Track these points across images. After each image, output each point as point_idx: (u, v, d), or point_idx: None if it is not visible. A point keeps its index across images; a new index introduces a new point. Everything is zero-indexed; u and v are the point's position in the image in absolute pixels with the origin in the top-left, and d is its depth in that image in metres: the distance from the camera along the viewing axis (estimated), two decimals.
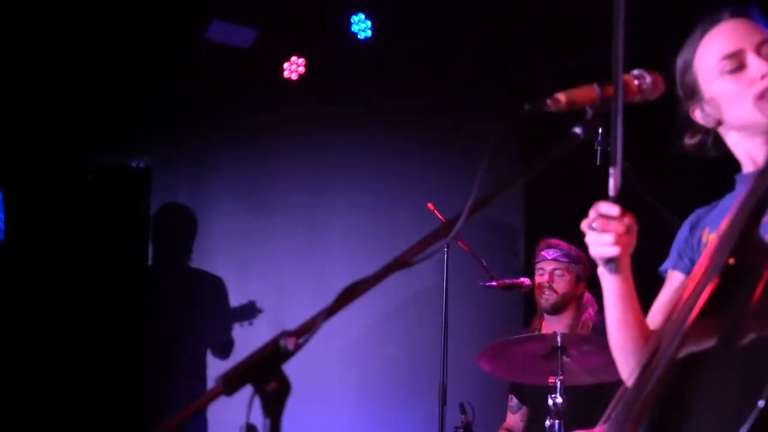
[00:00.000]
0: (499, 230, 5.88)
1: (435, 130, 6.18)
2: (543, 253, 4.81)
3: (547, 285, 4.72)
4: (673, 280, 2.25)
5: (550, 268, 4.75)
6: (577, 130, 1.82)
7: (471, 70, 6.01)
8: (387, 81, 6.22)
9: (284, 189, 6.40)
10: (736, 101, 2.08)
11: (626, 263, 1.96)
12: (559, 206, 5.67)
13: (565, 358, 3.97)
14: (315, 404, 5.78)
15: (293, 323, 1.61)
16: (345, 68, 6.28)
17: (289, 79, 6.31)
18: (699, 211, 2.28)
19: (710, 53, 2.13)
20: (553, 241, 4.83)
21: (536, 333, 4.64)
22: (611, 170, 1.83)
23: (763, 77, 2.05)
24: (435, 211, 4.81)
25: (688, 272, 2.19)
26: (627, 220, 1.85)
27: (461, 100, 6.07)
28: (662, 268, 2.31)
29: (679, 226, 2.36)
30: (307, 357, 1.63)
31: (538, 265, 4.82)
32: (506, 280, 4.67)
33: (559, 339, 3.95)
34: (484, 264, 4.68)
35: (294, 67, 6.32)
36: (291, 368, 1.55)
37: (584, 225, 1.89)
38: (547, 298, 4.72)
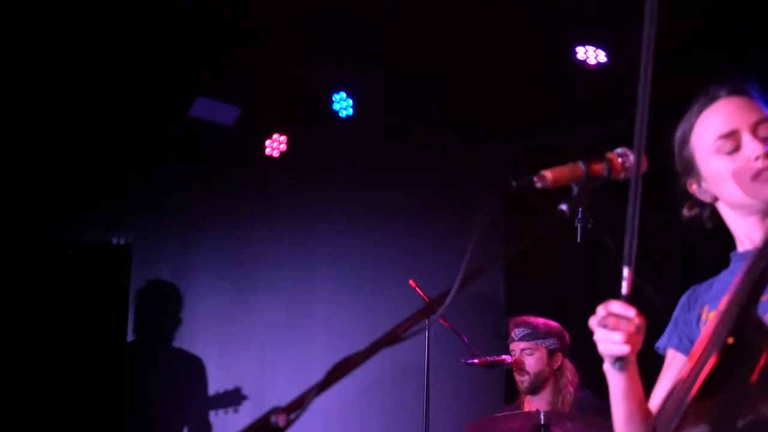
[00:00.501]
0: (481, 306, 5.88)
1: (417, 206, 6.21)
2: (511, 333, 4.81)
3: (518, 367, 4.71)
4: (674, 361, 2.26)
5: (519, 348, 4.75)
6: (563, 207, 1.84)
7: (453, 147, 6.06)
8: (369, 158, 6.27)
9: (267, 266, 6.39)
10: (730, 181, 2.11)
11: (633, 360, 1.98)
12: (541, 282, 5.70)
13: None
14: None
15: (276, 401, 1.61)
16: (327, 146, 6.33)
17: (271, 156, 6.34)
18: (696, 288, 2.29)
19: (707, 131, 2.15)
20: (520, 318, 4.82)
21: (518, 411, 4.61)
22: (625, 269, 1.83)
23: (756, 159, 2.08)
24: (416, 288, 4.81)
25: (687, 352, 2.20)
26: (638, 320, 1.84)
27: (443, 176, 6.11)
28: (659, 345, 2.31)
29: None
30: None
31: (510, 347, 4.82)
32: (488, 358, 4.65)
33: (542, 417, 3.93)
34: (466, 341, 4.67)
35: (276, 144, 6.36)
36: None
37: (593, 322, 1.88)
38: (521, 381, 4.71)
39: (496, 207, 5.54)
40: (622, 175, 1.92)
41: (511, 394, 5.21)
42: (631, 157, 1.92)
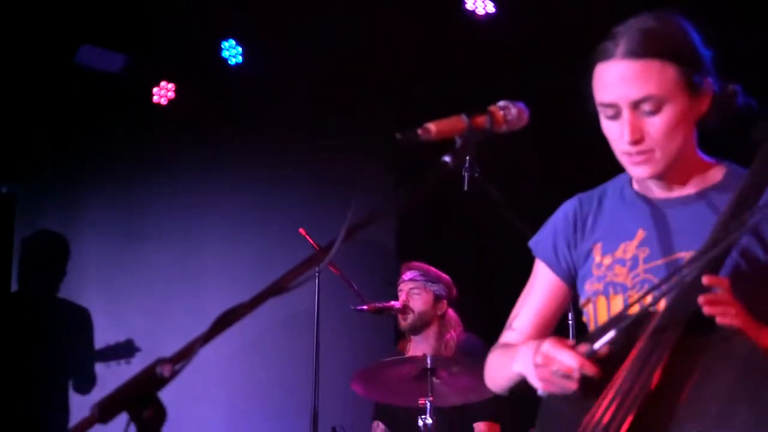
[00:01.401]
0: (371, 254, 5.92)
1: (308, 156, 6.19)
2: (402, 276, 4.90)
3: (404, 305, 4.79)
4: (546, 280, 2.29)
5: (407, 288, 4.83)
6: (446, 158, 1.87)
7: (345, 98, 6.05)
8: (259, 107, 6.22)
9: (157, 216, 6.32)
10: (614, 147, 2.12)
11: None
12: (430, 229, 5.77)
13: (434, 380, 4.02)
14: (187, 430, 5.69)
15: (168, 351, 1.60)
16: (216, 94, 6.26)
17: (158, 105, 6.25)
18: (582, 201, 2.29)
19: (595, 88, 2.10)
20: (413, 263, 4.92)
21: (406, 356, 4.69)
22: (612, 333, 1.86)
23: (626, 143, 2.06)
24: (307, 237, 4.82)
25: (564, 276, 2.25)
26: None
27: (334, 126, 6.10)
28: (532, 244, 2.34)
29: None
30: (177, 383, 1.63)
31: (398, 288, 4.90)
32: (377, 304, 4.71)
33: (429, 361, 4.00)
34: (355, 288, 4.72)
35: (164, 92, 6.26)
36: (166, 394, 1.54)
37: (543, 362, 1.92)
38: (405, 318, 4.79)
39: (384, 159, 5.61)
40: (504, 127, 1.95)
41: (399, 339, 5.28)
42: (513, 110, 1.96)
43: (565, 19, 4.99)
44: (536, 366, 1.93)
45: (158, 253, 6.30)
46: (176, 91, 6.26)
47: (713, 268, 1.93)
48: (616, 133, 2.07)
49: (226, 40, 6.17)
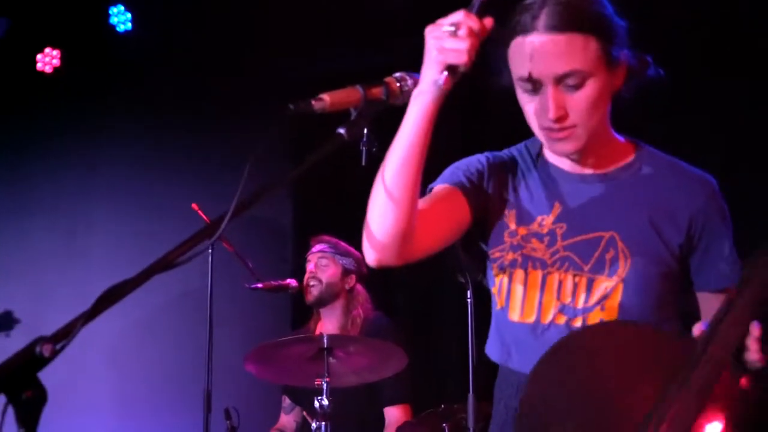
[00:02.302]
0: (266, 231, 5.91)
1: (200, 129, 6.13)
2: (312, 248, 4.91)
3: (311, 275, 4.81)
4: (445, 192, 2.21)
5: (315, 258, 4.85)
6: (341, 130, 1.87)
7: (238, 68, 6.00)
8: (149, 77, 6.13)
9: (42, 189, 6.20)
10: (531, 121, 2.12)
11: (448, 88, 1.95)
12: (328, 206, 5.77)
13: (331, 360, 4.04)
14: (73, 412, 5.62)
15: (51, 330, 1.58)
16: (103, 62, 6.15)
17: (42, 72, 6.11)
18: (493, 159, 2.25)
19: (513, 63, 2.09)
20: (323, 236, 4.94)
21: (302, 335, 4.70)
22: None
23: (549, 120, 2.06)
24: (199, 212, 4.79)
25: (473, 205, 2.18)
26: (483, 31, 1.90)
27: (228, 98, 6.05)
28: (439, 182, 2.25)
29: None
30: (65, 362, 1.61)
31: (307, 258, 4.90)
32: (272, 282, 4.70)
33: (325, 340, 4.01)
34: (250, 266, 4.70)
35: (48, 59, 6.13)
36: (47, 375, 1.52)
37: (433, 27, 1.91)
38: (311, 289, 4.80)
39: (279, 129, 5.57)
40: (401, 99, 1.97)
41: (298, 320, 5.29)
42: (410, 81, 1.97)
43: None
44: (426, 34, 1.92)
45: (43, 227, 6.19)
46: (61, 59, 6.13)
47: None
48: (536, 108, 2.08)
49: (115, 6, 6.06)
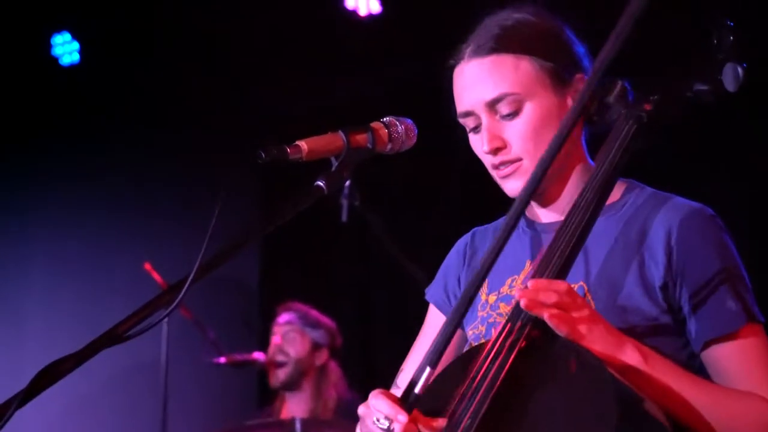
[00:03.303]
0: (229, 294, 5.90)
1: (156, 178, 6.13)
2: (277, 318, 4.90)
3: (277, 348, 4.78)
4: (434, 322, 2.28)
5: (281, 332, 4.83)
6: (320, 183, 1.88)
7: (202, 104, 6.00)
8: (97, 116, 6.13)
9: None
10: (484, 161, 2.13)
11: None
12: (301, 267, 5.77)
13: None
14: None
15: None
16: (44, 99, 6.15)
17: None
18: (476, 235, 2.31)
19: (455, 98, 2.13)
20: (292, 304, 4.93)
21: (271, 418, 4.67)
22: (426, 370, 1.84)
23: (487, 153, 2.08)
24: (153, 273, 4.79)
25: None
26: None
27: (189, 141, 6.05)
28: (427, 290, 2.33)
29: (424, 281, 2.42)
30: None
31: (273, 330, 4.89)
32: (237, 356, 4.69)
33: (298, 425, 3.99)
34: (211, 336, 4.69)
35: None
36: None
37: (365, 411, 1.87)
38: (278, 368, 4.76)
39: (249, 177, 5.59)
40: (389, 147, 1.98)
41: (265, 400, 5.26)
42: (400, 128, 1.98)
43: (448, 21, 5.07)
44: (360, 418, 1.91)
45: None
46: None
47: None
48: (478, 146, 2.11)
49: (59, 34, 6.08)
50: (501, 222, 2.27)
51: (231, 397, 5.85)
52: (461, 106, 2.10)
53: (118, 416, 5.93)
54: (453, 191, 4.95)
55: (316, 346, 4.84)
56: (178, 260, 5.07)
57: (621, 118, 2.02)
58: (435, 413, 1.86)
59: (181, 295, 1.73)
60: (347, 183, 1.87)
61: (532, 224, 2.20)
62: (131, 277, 5.42)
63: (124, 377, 5.82)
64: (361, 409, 1.89)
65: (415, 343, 2.34)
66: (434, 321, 2.31)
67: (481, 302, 2.20)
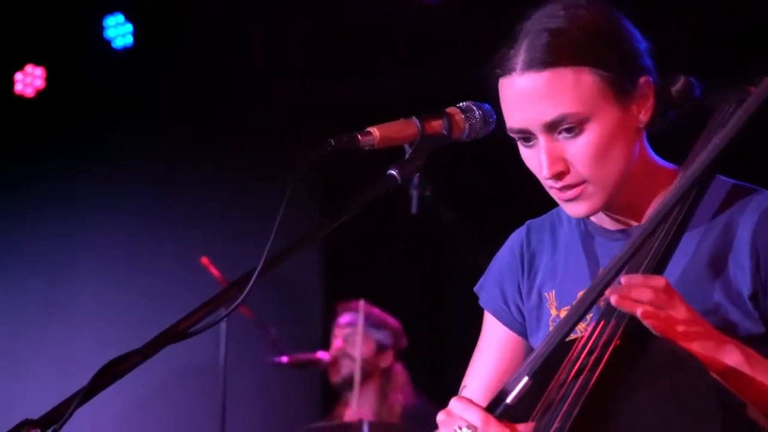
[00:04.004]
0: (290, 292, 5.93)
1: (213, 167, 6.18)
2: (338, 319, 4.90)
3: (340, 352, 4.79)
4: (498, 336, 2.27)
5: (343, 334, 4.84)
6: (393, 171, 1.89)
7: (261, 94, 6.04)
8: (153, 102, 6.19)
9: (18, 236, 6.26)
10: (537, 176, 2.07)
11: None
12: (366, 263, 5.78)
13: None
14: None
15: (28, 410, 1.61)
16: (97, 83, 6.22)
17: (22, 95, 6.21)
18: (531, 231, 2.26)
19: (503, 110, 2.05)
20: (353, 303, 4.93)
21: (336, 422, 4.69)
22: (524, 379, 1.84)
23: (546, 179, 2.02)
24: (210, 268, 4.82)
25: (520, 331, 2.23)
26: None
27: (248, 130, 6.09)
28: (479, 291, 2.30)
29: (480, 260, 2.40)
30: None
31: (334, 332, 4.90)
32: (300, 356, 4.72)
33: (366, 428, 4.01)
34: (273, 335, 4.72)
35: (29, 80, 6.23)
36: None
37: (446, 419, 1.87)
38: (339, 371, 4.78)
39: (312, 172, 5.60)
40: (466, 133, 1.98)
41: (329, 402, 5.29)
42: (477, 113, 1.99)
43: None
44: (438, 425, 1.89)
45: (16, 285, 6.24)
46: (46, 79, 6.22)
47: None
48: (534, 164, 2.03)
49: (112, 15, 6.14)
50: (558, 212, 2.23)
51: (293, 399, 5.87)
52: (513, 122, 2.01)
53: (175, 419, 5.99)
54: (530, 181, 4.93)
55: (380, 348, 4.84)
56: (236, 255, 5.15)
57: (721, 104, 1.99)
58: (519, 419, 1.86)
59: (247, 289, 1.76)
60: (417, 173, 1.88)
61: (598, 231, 2.15)
62: (187, 272, 5.46)
63: (181, 378, 5.87)
64: (441, 416, 1.88)
65: (473, 356, 2.31)
66: (492, 333, 2.29)
67: (551, 317, 2.17)
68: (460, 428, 1.85)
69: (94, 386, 1.61)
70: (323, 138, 1.84)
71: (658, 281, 1.83)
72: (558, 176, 2.00)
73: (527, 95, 1.97)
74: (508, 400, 1.84)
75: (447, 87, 2.02)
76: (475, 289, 2.31)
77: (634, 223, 2.10)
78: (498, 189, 5.29)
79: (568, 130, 1.97)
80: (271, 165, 5.74)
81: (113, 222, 6.28)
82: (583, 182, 2.00)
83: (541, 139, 1.99)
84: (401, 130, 1.91)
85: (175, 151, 6.23)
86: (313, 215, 5.25)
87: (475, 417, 1.83)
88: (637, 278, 1.85)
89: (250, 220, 5.70)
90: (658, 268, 1.90)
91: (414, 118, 1.92)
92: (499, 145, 2.07)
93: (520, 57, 1.98)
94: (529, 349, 2.24)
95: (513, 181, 2.06)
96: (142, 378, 5.33)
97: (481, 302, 2.30)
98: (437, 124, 1.94)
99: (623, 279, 1.84)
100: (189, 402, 5.89)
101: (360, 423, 4.05)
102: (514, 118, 2.01)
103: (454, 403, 1.88)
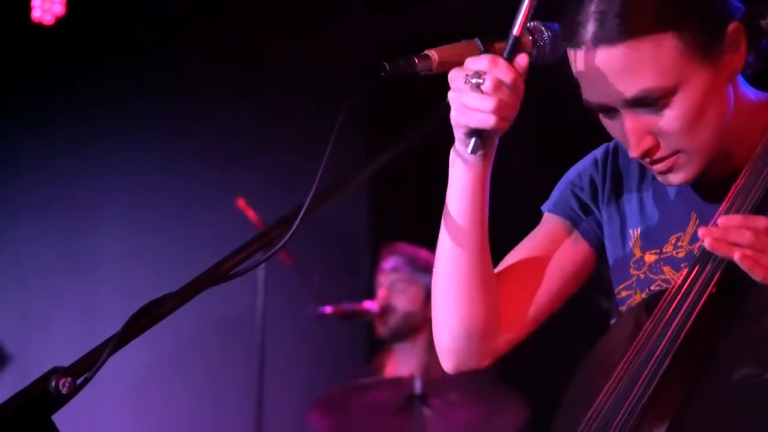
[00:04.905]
0: (334, 238, 5.94)
1: (249, 99, 6.18)
2: (382, 264, 4.90)
3: (384, 303, 4.80)
4: (557, 231, 2.22)
5: (388, 282, 4.84)
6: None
7: (300, 23, 6.03)
8: (182, 30, 6.19)
9: (36, 178, 6.29)
10: (623, 145, 2.05)
11: (493, 148, 2.00)
12: (416, 205, 5.78)
13: (425, 411, 4.04)
14: None
15: (49, 361, 1.62)
16: (120, 11, 6.22)
17: (40, 23, 6.22)
18: (611, 156, 2.22)
19: (576, 76, 2.01)
20: (398, 247, 4.93)
21: (386, 377, 4.71)
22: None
23: (636, 156, 1.99)
24: (246, 210, 4.83)
25: (593, 241, 2.20)
26: (519, 82, 1.90)
27: (284, 62, 6.09)
28: (547, 207, 2.27)
29: None
30: (72, 404, 1.65)
31: (378, 279, 4.91)
32: (345, 306, 4.73)
33: (417, 384, 4.02)
34: (316, 284, 4.73)
35: (48, 5, 6.24)
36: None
37: (456, 73, 1.91)
38: (383, 321, 4.79)
39: (362, 105, 5.59)
40: (534, 57, 1.96)
41: (377, 356, 5.30)
42: (546, 34, 1.96)
43: None
44: (449, 83, 1.93)
45: (35, 230, 6.28)
46: (66, 4, 6.23)
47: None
48: (619, 134, 2.02)
49: None
50: (651, 192, 2.18)
51: (337, 353, 5.90)
52: (590, 96, 1.98)
53: (209, 373, 6.04)
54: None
55: (429, 295, 4.84)
56: (274, 196, 5.15)
57: None
58: (604, 375, 1.91)
59: (293, 229, 1.76)
60: None
61: None
62: (221, 216, 5.48)
63: (215, 332, 5.92)
64: (452, 72, 1.92)
65: (522, 243, 2.26)
66: (556, 227, 2.23)
67: (634, 258, 2.15)
68: (469, 78, 1.88)
69: (127, 333, 1.62)
70: (379, 63, 1.83)
71: (760, 221, 1.82)
72: (647, 153, 1.96)
73: (602, 72, 1.93)
74: (515, 30, 1.91)
75: (512, 6, 1.97)
76: (543, 207, 2.27)
77: (737, 168, 2.04)
78: (570, 129, 5.24)
79: (654, 104, 1.93)
80: (313, 99, 5.74)
81: (138, 162, 6.30)
82: (675, 153, 1.97)
83: (624, 116, 1.96)
84: (462, 53, 1.90)
85: (206, 84, 6.23)
86: (361, 152, 5.24)
87: (482, 62, 1.89)
88: (736, 219, 1.84)
89: (289, 159, 5.71)
90: (760, 208, 1.88)
91: (476, 39, 1.91)
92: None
93: (590, 28, 1.92)
94: (591, 264, 2.22)
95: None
96: (174, 330, 5.43)
97: (545, 206, 2.26)
98: (500, 47, 1.92)
99: (720, 220, 1.83)
100: (223, 357, 5.93)
101: (411, 378, 4.06)
102: (590, 93, 1.98)
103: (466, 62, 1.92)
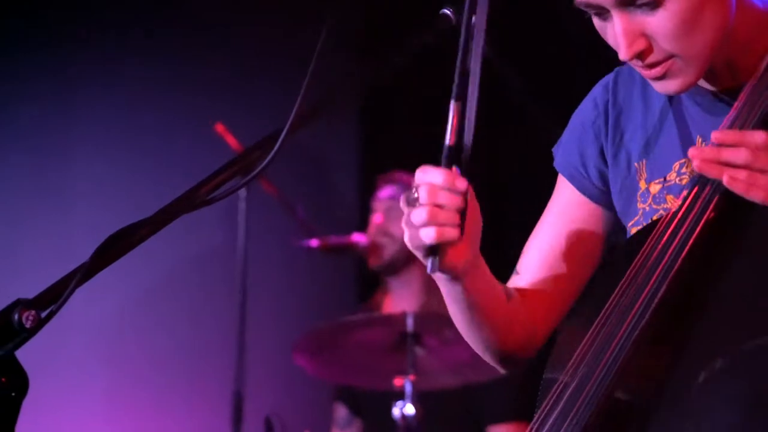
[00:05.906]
0: (322, 167, 5.94)
1: (223, 20, 6.16)
2: (378, 192, 4.90)
3: (379, 230, 4.79)
4: (571, 202, 2.28)
5: (383, 208, 4.84)
6: (447, 11, 1.87)
7: None
8: None
9: (5, 104, 6.28)
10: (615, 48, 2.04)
11: (470, 258, 2.06)
12: (410, 131, 5.78)
13: (418, 350, 4.05)
14: (55, 409, 5.70)
15: (23, 292, 1.62)
16: None
17: None
18: (620, 83, 2.24)
19: None
20: (396, 174, 4.92)
21: (375, 314, 4.72)
22: (452, 105, 1.91)
23: (627, 59, 1.98)
24: (226, 135, 4.83)
25: (599, 199, 2.25)
26: (461, 194, 1.93)
27: None
28: (556, 150, 2.33)
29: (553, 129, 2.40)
30: (40, 341, 1.65)
31: (373, 207, 4.91)
32: (332, 239, 4.73)
33: (409, 322, 4.03)
34: (301, 215, 4.73)
35: None
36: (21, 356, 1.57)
37: (403, 200, 1.98)
38: (379, 253, 4.79)
39: (349, 18, 5.59)
40: None
41: (366, 293, 5.32)
42: None
43: None
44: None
45: (7, 157, 6.28)
46: None
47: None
48: (610, 38, 2.02)
49: None
50: (656, 116, 2.20)
51: (324, 289, 5.92)
52: None
53: (188, 311, 6.04)
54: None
55: None
56: (255, 121, 5.14)
57: None
58: (596, 309, 1.93)
59: (275, 150, 1.75)
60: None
61: (700, 91, 2.11)
62: (198, 142, 5.47)
63: (193, 266, 5.92)
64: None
65: (539, 223, 2.34)
66: (565, 195, 2.30)
67: (640, 191, 2.17)
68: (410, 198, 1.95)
69: (96, 262, 1.61)
70: None
71: (758, 136, 1.81)
72: (639, 56, 1.97)
73: None
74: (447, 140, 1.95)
75: None
76: (553, 148, 2.33)
77: (743, 81, 2.05)
78: (574, 55, 5.24)
79: (646, 3, 1.93)
80: (295, 21, 5.71)
81: (113, 83, 6.29)
82: (669, 57, 1.98)
83: (615, 16, 1.96)
84: None
85: (186, 5, 6.21)
86: (349, 69, 5.22)
87: (416, 176, 1.95)
88: (730, 135, 1.84)
89: (270, 82, 5.69)
90: (766, 124, 1.87)
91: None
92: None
93: None
94: (609, 220, 2.26)
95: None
96: (150, 266, 5.44)
97: (556, 163, 2.32)
98: None
99: (713, 135, 1.83)
100: (203, 294, 5.94)
101: (403, 315, 4.06)
102: None
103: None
